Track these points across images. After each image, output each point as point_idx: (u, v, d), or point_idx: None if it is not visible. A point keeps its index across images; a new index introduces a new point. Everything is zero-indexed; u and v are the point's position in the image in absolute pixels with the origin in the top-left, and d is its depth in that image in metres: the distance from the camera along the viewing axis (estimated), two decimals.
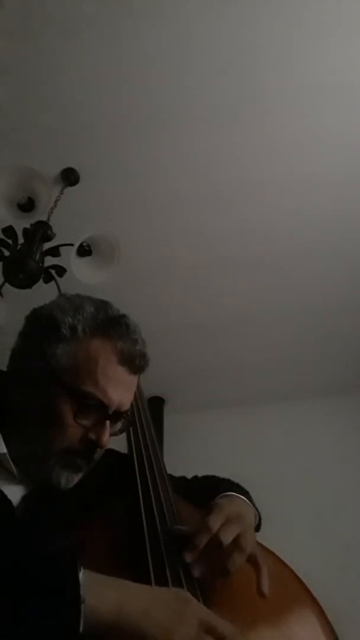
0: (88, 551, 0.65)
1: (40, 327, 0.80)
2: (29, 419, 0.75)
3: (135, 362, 0.79)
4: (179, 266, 2.44)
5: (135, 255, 2.26)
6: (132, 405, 0.87)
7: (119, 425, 0.81)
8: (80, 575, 0.50)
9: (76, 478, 0.76)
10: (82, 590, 0.49)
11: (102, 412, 0.75)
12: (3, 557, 0.53)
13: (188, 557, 0.65)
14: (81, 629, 0.47)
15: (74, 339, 0.77)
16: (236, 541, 0.67)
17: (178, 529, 0.71)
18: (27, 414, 0.75)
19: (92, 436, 0.74)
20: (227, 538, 0.67)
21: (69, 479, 0.75)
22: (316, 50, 1.72)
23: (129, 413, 0.82)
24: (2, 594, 0.48)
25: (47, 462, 0.73)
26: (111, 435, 0.77)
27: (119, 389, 0.77)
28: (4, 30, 1.66)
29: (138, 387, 1.11)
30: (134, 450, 0.92)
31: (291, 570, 0.72)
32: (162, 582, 0.61)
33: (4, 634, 0.46)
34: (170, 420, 2.98)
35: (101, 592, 0.50)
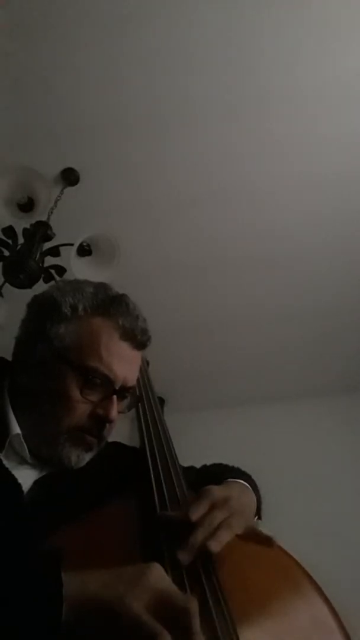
0: (99, 540, 0.65)
1: (42, 309, 0.81)
2: (38, 401, 0.76)
3: (138, 338, 0.81)
4: (179, 266, 2.44)
5: (135, 255, 2.26)
6: (138, 385, 0.87)
7: (125, 402, 0.82)
8: (63, 577, 0.50)
9: (87, 457, 0.77)
10: (64, 590, 0.48)
11: (109, 387, 0.77)
12: None
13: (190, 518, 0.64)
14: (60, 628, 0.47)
15: (76, 318, 0.79)
16: (224, 521, 0.66)
17: (167, 514, 0.70)
18: (35, 396, 0.77)
19: (100, 411, 0.75)
20: (210, 524, 0.65)
21: (79, 457, 0.76)
22: (319, 51, 1.72)
23: (135, 390, 0.83)
24: None
25: (57, 441, 0.74)
26: (119, 412, 0.78)
27: (123, 364, 0.78)
28: (4, 30, 1.66)
29: (145, 372, 1.11)
30: (145, 438, 0.92)
31: (296, 561, 0.71)
32: (176, 570, 0.59)
33: None
34: (170, 420, 2.97)
35: (75, 583, 0.50)
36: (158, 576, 0.53)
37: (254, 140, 1.97)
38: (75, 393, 0.74)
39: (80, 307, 0.79)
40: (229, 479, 0.84)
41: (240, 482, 0.83)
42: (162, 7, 1.62)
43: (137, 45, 1.71)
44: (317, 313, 2.67)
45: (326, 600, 0.64)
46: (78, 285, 0.84)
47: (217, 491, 0.70)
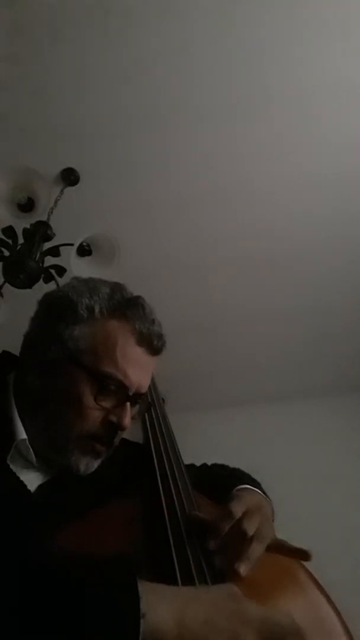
0: (107, 541, 0.64)
1: (56, 309, 0.78)
2: (48, 404, 0.74)
3: (154, 343, 0.79)
4: (179, 266, 2.44)
5: (135, 255, 2.26)
6: (149, 388, 0.86)
7: (137, 408, 0.80)
8: (139, 586, 0.46)
9: (95, 464, 0.75)
10: (142, 604, 0.45)
11: (123, 393, 0.74)
12: (52, 563, 0.49)
13: (212, 544, 0.63)
14: None
15: (92, 320, 0.76)
16: (257, 531, 0.65)
17: (197, 515, 0.69)
18: (45, 399, 0.74)
19: (113, 418, 0.73)
20: (250, 527, 0.64)
21: (89, 465, 0.74)
22: (319, 51, 1.72)
23: (146, 396, 0.81)
24: (52, 603, 0.44)
25: (66, 448, 0.73)
26: (131, 418, 0.76)
27: (138, 370, 0.76)
28: (4, 31, 1.66)
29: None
30: (150, 438, 0.91)
31: (307, 570, 0.71)
32: (185, 572, 0.58)
33: None
34: (170, 420, 2.97)
35: (159, 605, 0.46)
36: (250, 604, 0.50)
37: (254, 140, 1.97)
38: (89, 399, 0.72)
39: (97, 309, 0.76)
40: (245, 486, 0.82)
41: (257, 491, 0.82)
42: (163, 7, 1.62)
43: (136, 46, 1.71)
44: (317, 313, 2.67)
45: (329, 601, 0.64)
46: (94, 284, 0.81)
47: (248, 499, 0.70)
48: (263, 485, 0.89)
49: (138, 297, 0.81)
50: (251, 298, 2.60)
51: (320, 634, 0.59)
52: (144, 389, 0.78)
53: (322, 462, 2.75)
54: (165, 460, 0.83)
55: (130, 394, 0.75)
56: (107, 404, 0.73)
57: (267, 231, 2.30)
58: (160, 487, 0.75)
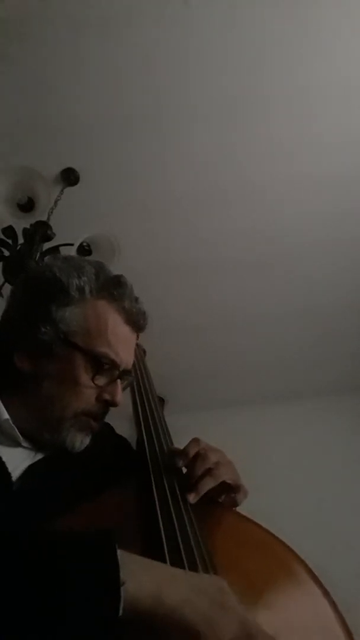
0: (97, 525, 0.64)
1: (45, 290, 0.78)
2: (42, 385, 0.74)
3: (140, 322, 0.82)
4: (179, 266, 2.44)
5: (135, 255, 2.26)
6: (135, 369, 0.90)
7: (124, 383, 0.82)
8: (119, 555, 0.46)
9: (87, 440, 0.77)
10: (121, 573, 0.45)
11: (114, 371, 0.77)
12: (32, 536, 0.49)
13: (179, 463, 0.75)
14: (120, 613, 0.43)
15: (82, 301, 0.77)
16: (214, 466, 0.74)
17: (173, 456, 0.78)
18: (39, 380, 0.75)
19: (107, 396, 0.76)
20: (212, 457, 0.73)
21: (83, 441, 0.76)
22: (318, 50, 1.72)
23: (131, 371, 0.84)
24: (34, 575, 0.44)
25: (62, 426, 0.74)
26: None
27: (127, 348, 0.79)
28: (4, 31, 1.66)
29: (142, 360, 1.12)
30: (142, 427, 0.91)
31: (305, 564, 0.70)
32: (176, 558, 0.58)
33: (36, 620, 0.42)
34: (170, 420, 2.96)
35: (139, 575, 0.46)
36: (235, 600, 0.50)
37: (254, 140, 1.97)
38: (85, 378, 0.74)
39: (87, 290, 0.78)
40: None
41: None
42: (162, 8, 1.62)
43: (137, 47, 1.71)
44: (317, 313, 2.67)
45: (328, 598, 0.63)
46: (78, 263, 0.81)
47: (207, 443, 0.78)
48: (262, 485, 0.90)
49: (120, 276, 0.83)
50: (251, 298, 2.60)
51: (319, 633, 0.59)
52: (131, 365, 0.82)
53: (322, 462, 2.75)
54: (158, 451, 0.84)
55: (120, 371, 0.78)
56: (101, 382, 0.75)
57: (267, 231, 2.29)
58: (154, 486, 0.74)
